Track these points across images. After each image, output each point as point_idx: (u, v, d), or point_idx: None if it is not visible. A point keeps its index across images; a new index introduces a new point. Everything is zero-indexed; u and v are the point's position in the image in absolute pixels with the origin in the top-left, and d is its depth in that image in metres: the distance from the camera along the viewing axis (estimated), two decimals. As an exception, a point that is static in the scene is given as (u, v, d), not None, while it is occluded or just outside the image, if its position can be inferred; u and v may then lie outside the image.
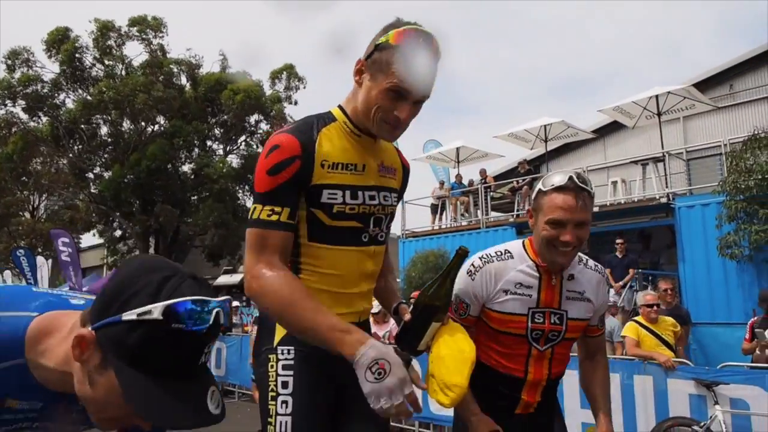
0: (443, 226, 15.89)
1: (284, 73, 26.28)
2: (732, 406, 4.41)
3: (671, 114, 13.30)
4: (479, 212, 15.16)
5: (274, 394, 1.62)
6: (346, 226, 1.64)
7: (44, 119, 24.38)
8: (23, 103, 23.57)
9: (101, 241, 29.82)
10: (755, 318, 5.71)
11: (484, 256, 1.96)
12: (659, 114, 12.91)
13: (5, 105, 23.55)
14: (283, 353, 1.65)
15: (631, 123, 13.91)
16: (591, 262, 2.05)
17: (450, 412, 2.04)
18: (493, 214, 16.27)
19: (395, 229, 17.36)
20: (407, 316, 1.68)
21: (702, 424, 4.41)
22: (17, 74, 23.37)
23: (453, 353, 1.62)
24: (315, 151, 1.58)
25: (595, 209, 12.98)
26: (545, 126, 14.70)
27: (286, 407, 1.61)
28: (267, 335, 1.68)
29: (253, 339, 2.30)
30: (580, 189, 1.80)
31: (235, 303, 18.58)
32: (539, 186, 1.89)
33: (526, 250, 1.96)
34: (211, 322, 0.97)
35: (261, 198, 1.57)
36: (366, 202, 1.66)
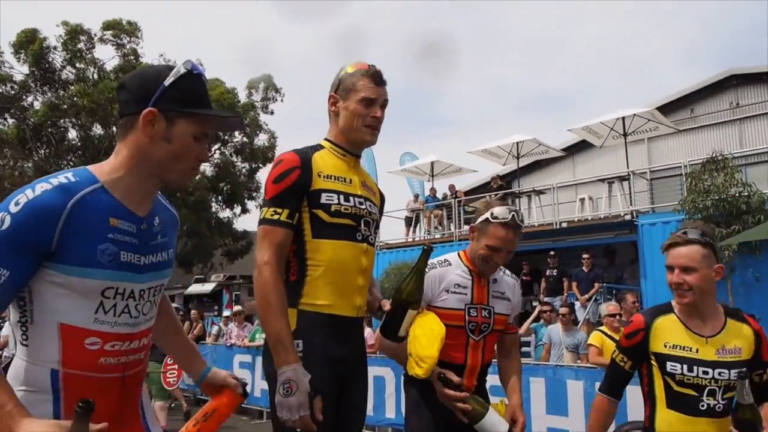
0: (417, 239, 16.19)
1: (261, 83, 26.39)
2: (686, 410, 4.74)
3: (636, 135, 13.90)
4: (452, 225, 15.53)
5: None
6: (342, 223, 1.98)
7: (10, 121, 23.99)
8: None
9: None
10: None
11: (433, 263, 2.38)
12: (625, 135, 13.48)
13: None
14: (307, 375, 1.83)
15: (598, 142, 14.47)
16: (507, 271, 2.53)
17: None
18: (466, 227, 16.66)
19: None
20: (388, 308, 2.05)
21: (659, 427, 4.73)
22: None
23: (425, 332, 2.06)
24: (312, 164, 1.97)
25: (564, 225, 13.52)
26: (517, 143, 15.18)
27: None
28: None
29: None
30: (518, 226, 2.29)
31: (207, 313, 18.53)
32: (487, 215, 2.31)
33: (461, 258, 2.44)
34: (187, 69, 1.46)
35: (267, 202, 1.94)
36: (357, 206, 2.02)
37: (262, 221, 1.93)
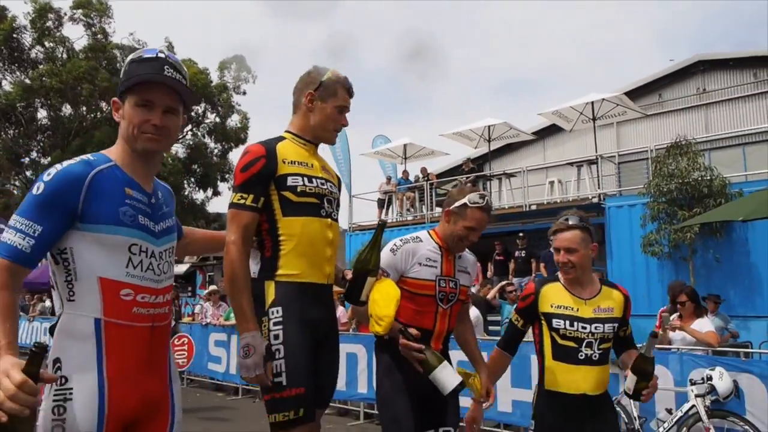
0: (389, 221, 16.33)
1: (234, 63, 26.09)
2: (639, 382, 4.99)
3: (605, 119, 14.16)
4: (424, 207, 15.68)
5: (268, 338, 2.10)
6: (308, 202, 2.21)
7: (-23, 99, 23.41)
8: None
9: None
10: (664, 307, 6.38)
11: (403, 239, 2.64)
12: (594, 119, 13.73)
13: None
14: (273, 314, 2.12)
15: (568, 126, 14.70)
16: (467, 250, 2.78)
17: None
18: (438, 209, 16.84)
19: (342, 223, 17.68)
20: (350, 276, 2.34)
21: (614, 398, 4.96)
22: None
23: (382, 295, 2.30)
24: (277, 153, 2.20)
25: (533, 207, 13.77)
26: (489, 126, 15.34)
27: (279, 353, 2.08)
28: (259, 305, 2.14)
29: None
30: (490, 209, 2.63)
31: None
32: (465, 201, 2.59)
33: (431, 236, 2.69)
34: (157, 52, 1.75)
35: (236, 188, 2.17)
36: (319, 186, 2.26)
37: (231, 205, 2.16)
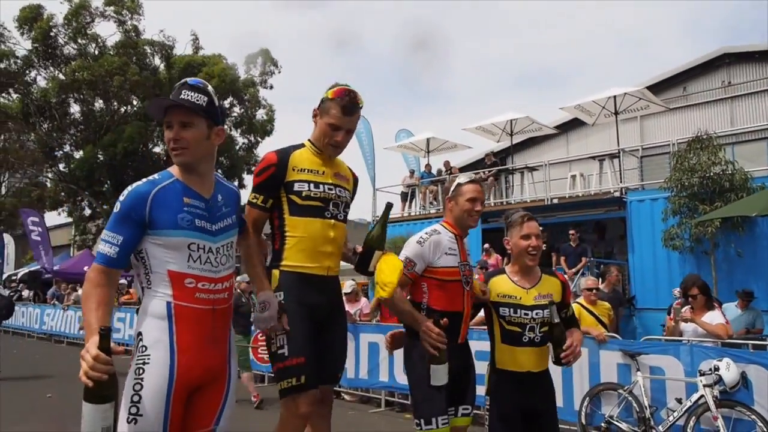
0: (412, 213, 16.56)
1: (259, 57, 26.44)
2: (651, 373, 5.17)
3: (628, 113, 14.16)
4: (447, 201, 15.84)
5: (279, 302, 2.45)
6: (312, 205, 2.55)
7: (14, 96, 24.14)
8: (-6, 78, 23.32)
9: (69, 220, 29.64)
10: (679, 300, 6.50)
11: (427, 231, 2.88)
12: (616, 113, 13.75)
13: (-26, 79, 23.28)
14: (277, 296, 2.46)
15: (591, 120, 14.74)
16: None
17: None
18: (461, 202, 16.99)
19: (366, 215, 17.94)
20: (360, 250, 2.70)
21: (626, 387, 5.18)
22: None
23: (387, 265, 2.61)
24: (289, 161, 2.55)
25: (555, 201, 13.86)
26: (511, 120, 15.44)
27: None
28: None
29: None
30: (480, 182, 2.97)
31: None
32: (456, 182, 2.95)
33: (445, 227, 2.94)
34: (181, 82, 2.13)
35: (252, 189, 2.57)
36: (326, 191, 2.59)
37: (248, 202, 2.57)
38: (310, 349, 2.45)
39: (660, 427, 4.88)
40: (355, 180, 2.86)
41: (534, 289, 2.90)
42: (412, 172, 17.83)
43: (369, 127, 18.47)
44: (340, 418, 6.91)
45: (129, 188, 2.04)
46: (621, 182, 12.80)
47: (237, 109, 26.55)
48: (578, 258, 10.83)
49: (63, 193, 26.69)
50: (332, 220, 2.59)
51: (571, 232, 11.25)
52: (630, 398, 5.11)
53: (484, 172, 15.60)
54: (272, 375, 9.03)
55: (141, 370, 1.96)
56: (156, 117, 2.17)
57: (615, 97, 13.35)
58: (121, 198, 2.01)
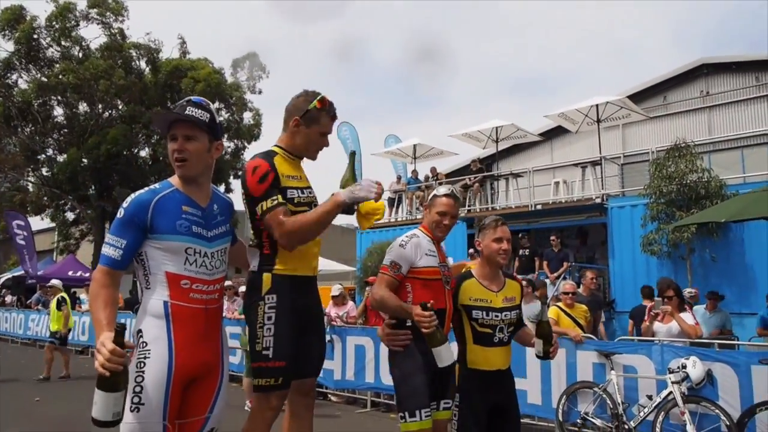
0: (399, 219, 16.74)
1: (247, 61, 26.54)
2: (624, 371, 5.41)
3: (611, 121, 14.47)
4: (432, 206, 16.02)
5: (260, 323, 2.55)
6: (301, 210, 2.62)
7: (-5, 99, 23.99)
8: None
9: (51, 225, 29.43)
10: (652, 303, 6.76)
11: (408, 235, 3.06)
12: (599, 121, 14.06)
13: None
14: (268, 300, 2.58)
15: (574, 128, 15.05)
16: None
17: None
18: (446, 208, 17.17)
19: (354, 221, 18.06)
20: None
21: (601, 385, 5.40)
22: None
23: (370, 203, 2.68)
24: (277, 168, 2.61)
25: (539, 207, 14.14)
26: (497, 128, 15.70)
27: (271, 331, 2.55)
28: (255, 292, 2.60)
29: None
30: (456, 197, 3.10)
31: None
32: (434, 193, 3.15)
33: (423, 231, 3.11)
34: (185, 100, 2.33)
35: (261, 197, 2.56)
36: (308, 195, 2.72)
37: (267, 211, 2.54)
38: (292, 353, 2.58)
39: (632, 423, 5.11)
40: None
41: (501, 293, 3.07)
42: (399, 178, 18.03)
43: (356, 133, 18.67)
44: (327, 419, 7.10)
45: (132, 196, 2.24)
46: (603, 189, 13.10)
47: (224, 113, 26.58)
48: (560, 263, 11.09)
49: (46, 198, 26.48)
50: None
51: (552, 238, 11.50)
52: (604, 396, 5.33)
53: (470, 178, 15.85)
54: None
55: (142, 364, 2.14)
56: (160, 130, 2.35)
57: (597, 105, 13.66)
58: (125, 205, 2.20)
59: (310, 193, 2.75)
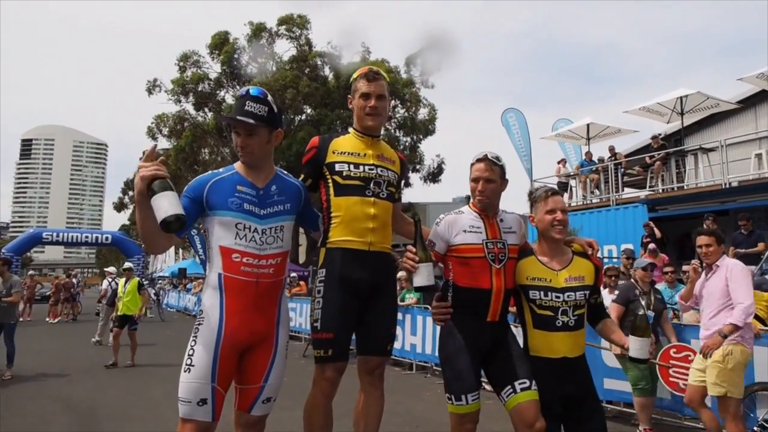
0: (572, 204, 15.90)
1: (419, 58, 27.11)
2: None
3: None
4: (610, 189, 14.98)
5: (313, 296, 2.76)
6: (353, 184, 2.78)
7: (209, 114, 27.63)
8: (192, 99, 27.00)
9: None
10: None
11: (446, 213, 2.92)
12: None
13: (180, 102, 27.19)
14: (320, 274, 2.77)
15: (780, 90, 12.93)
16: (508, 210, 2.99)
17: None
18: (628, 190, 15.87)
19: (523, 208, 17.56)
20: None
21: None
22: (188, 74, 26.76)
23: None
24: (329, 146, 2.83)
25: (735, 184, 12.41)
26: (681, 98, 14.10)
27: (320, 304, 2.73)
28: (316, 266, 2.82)
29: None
30: (489, 161, 2.82)
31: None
32: (472, 161, 2.90)
33: (470, 207, 2.94)
34: (244, 92, 2.53)
35: (302, 168, 2.87)
36: (366, 171, 2.81)
37: (301, 181, 2.82)
38: (342, 324, 2.67)
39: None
40: (402, 161, 3.03)
41: (565, 271, 2.79)
42: (564, 162, 17.10)
43: (524, 119, 18.05)
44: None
45: (196, 178, 2.54)
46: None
47: (399, 110, 27.49)
48: (753, 245, 9.60)
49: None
50: (373, 198, 2.78)
51: (741, 222, 9.96)
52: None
53: (651, 156, 14.47)
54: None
55: (197, 329, 2.40)
56: (226, 126, 2.64)
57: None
58: (191, 185, 2.49)
59: (370, 169, 2.82)
